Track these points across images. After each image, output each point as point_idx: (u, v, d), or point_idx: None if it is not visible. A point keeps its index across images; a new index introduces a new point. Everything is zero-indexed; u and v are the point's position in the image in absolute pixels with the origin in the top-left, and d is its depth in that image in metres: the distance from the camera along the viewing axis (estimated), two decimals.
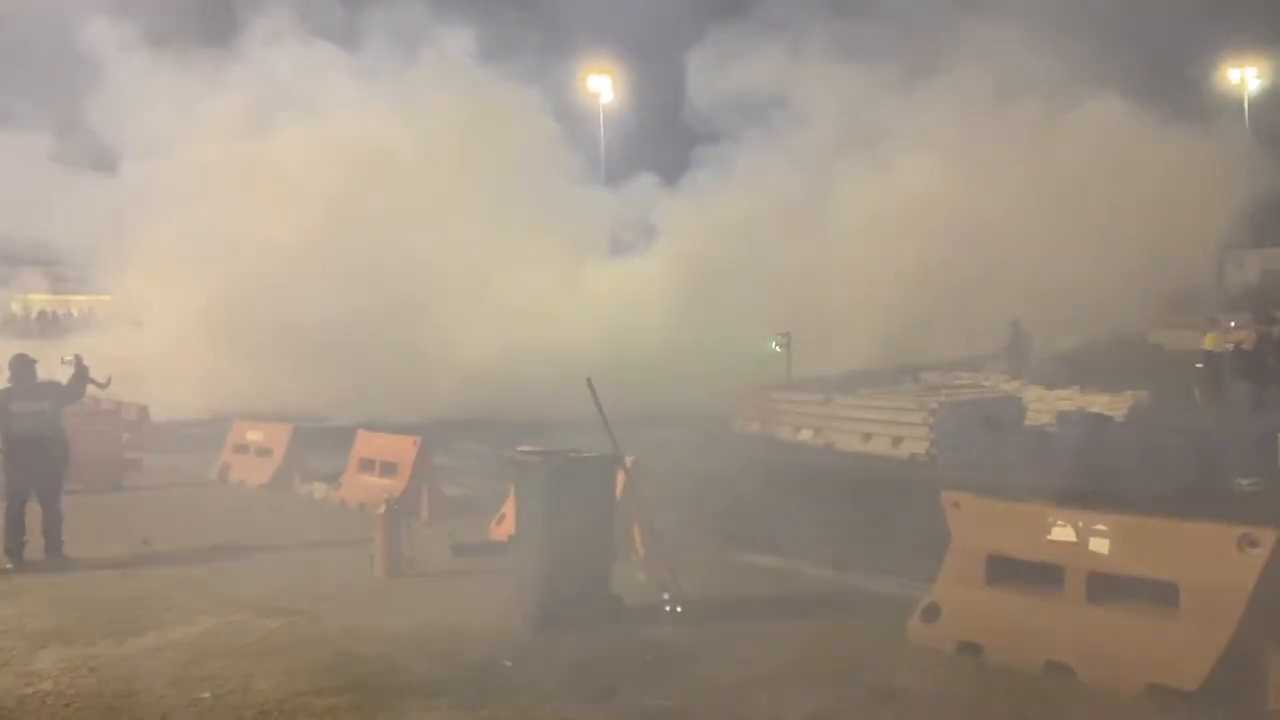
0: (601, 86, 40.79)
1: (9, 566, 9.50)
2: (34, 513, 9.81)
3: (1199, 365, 20.37)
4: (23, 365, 10.13)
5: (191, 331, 23.35)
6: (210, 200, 24.38)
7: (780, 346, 23.26)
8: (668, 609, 7.65)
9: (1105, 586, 6.38)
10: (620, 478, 8.16)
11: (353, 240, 23.48)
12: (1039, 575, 6.75)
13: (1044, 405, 18.23)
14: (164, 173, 24.41)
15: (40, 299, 43.91)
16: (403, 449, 12.31)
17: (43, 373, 10.40)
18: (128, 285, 26.46)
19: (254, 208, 24.01)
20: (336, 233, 23.44)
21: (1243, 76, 39.73)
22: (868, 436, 18.24)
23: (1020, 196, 27.00)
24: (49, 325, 37.42)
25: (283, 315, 22.35)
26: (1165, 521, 6.46)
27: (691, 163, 30.00)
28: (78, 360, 11.04)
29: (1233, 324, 23.53)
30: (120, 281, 27.19)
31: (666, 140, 33.79)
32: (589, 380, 8.33)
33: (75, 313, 38.47)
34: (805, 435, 19.49)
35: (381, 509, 9.28)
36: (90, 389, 11.73)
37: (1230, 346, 19.78)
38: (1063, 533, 6.52)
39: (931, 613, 6.98)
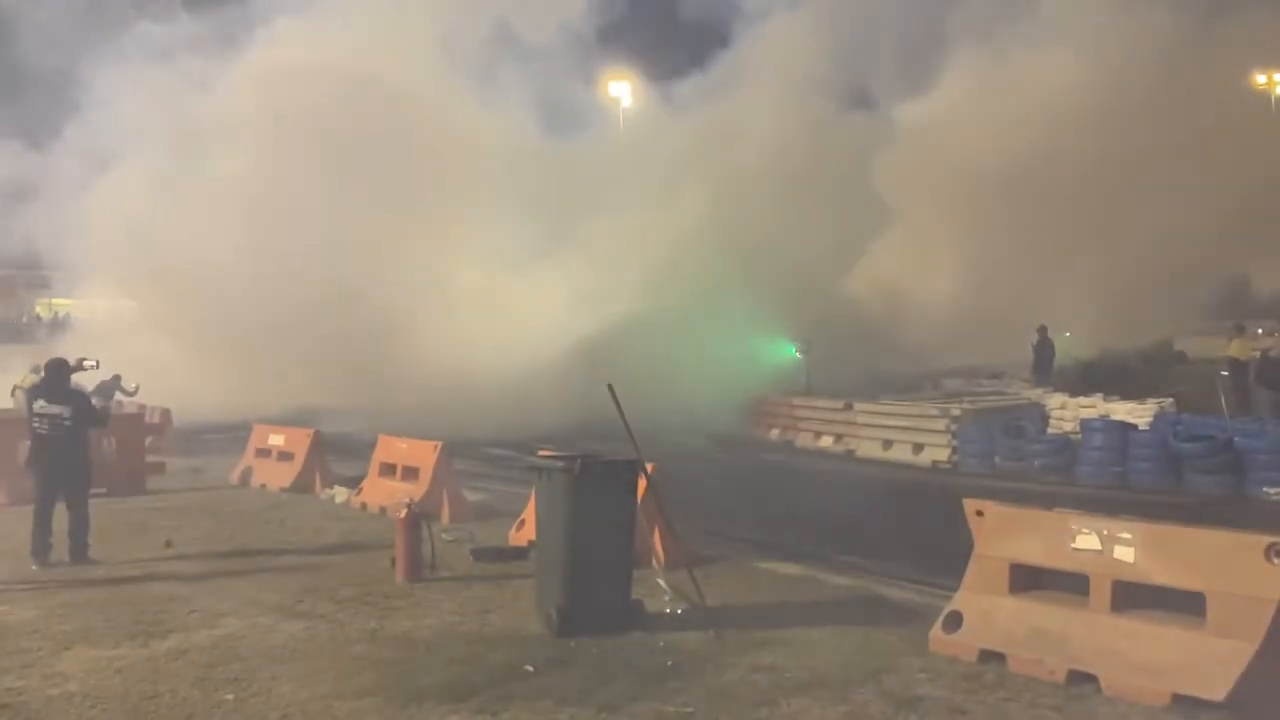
0: (621, 91, 40.51)
1: (35, 569, 9.59)
2: (60, 516, 9.91)
3: (1224, 373, 20.21)
4: (55, 369, 10.31)
5: (165, 339, 23.17)
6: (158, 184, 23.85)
7: (801, 353, 23.22)
8: None
9: (1130, 595, 6.33)
10: (641, 483, 8.14)
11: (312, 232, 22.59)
12: (1063, 584, 6.70)
13: (1067, 413, 18.09)
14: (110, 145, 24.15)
15: (63, 303, 44.35)
16: (424, 454, 12.38)
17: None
18: (93, 288, 26.30)
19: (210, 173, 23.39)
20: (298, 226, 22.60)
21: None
22: (889, 444, 18.21)
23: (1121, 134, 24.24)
24: (51, 329, 37.65)
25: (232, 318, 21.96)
26: (1192, 530, 6.39)
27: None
28: (103, 373, 11.13)
29: (1259, 331, 23.31)
30: (84, 285, 27.00)
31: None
32: (610, 386, 8.32)
33: (98, 317, 38.91)
34: (825, 442, 19.46)
35: (402, 513, 9.32)
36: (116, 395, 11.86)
37: (1256, 354, 19.62)
38: (1087, 541, 6.46)
39: (954, 621, 6.93)
